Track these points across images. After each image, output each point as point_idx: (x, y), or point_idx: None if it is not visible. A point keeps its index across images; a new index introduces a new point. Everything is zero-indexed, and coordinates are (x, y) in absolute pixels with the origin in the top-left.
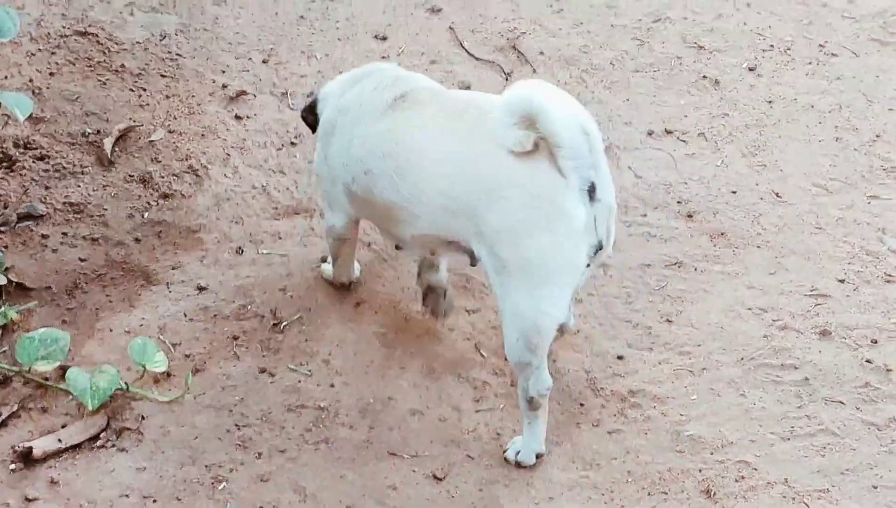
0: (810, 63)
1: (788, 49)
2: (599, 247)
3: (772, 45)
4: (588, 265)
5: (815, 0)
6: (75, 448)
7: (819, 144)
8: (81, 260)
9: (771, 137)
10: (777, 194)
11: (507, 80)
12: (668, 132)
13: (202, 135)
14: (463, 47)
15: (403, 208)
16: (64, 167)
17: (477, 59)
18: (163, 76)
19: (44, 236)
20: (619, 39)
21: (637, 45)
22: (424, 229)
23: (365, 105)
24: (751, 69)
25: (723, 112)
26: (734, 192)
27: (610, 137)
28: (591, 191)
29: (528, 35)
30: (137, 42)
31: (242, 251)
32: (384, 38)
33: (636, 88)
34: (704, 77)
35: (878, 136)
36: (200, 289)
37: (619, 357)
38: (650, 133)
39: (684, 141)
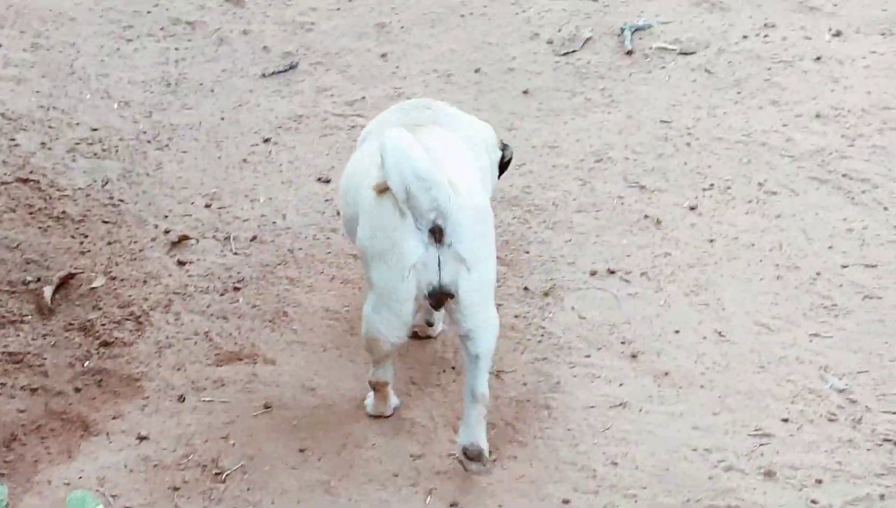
0: (750, 202)
1: (729, 188)
2: (445, 292)
3: (712, 184)
4: (437, 306)
5: (754, 139)
6: None
7: (760, 283)
8: (20, 411)
9: (713, 275)
10: (720, 333)
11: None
12: (611, 272)
13: (144, 281)
14: None
15: (351, 214)
16: (3, 316)
17: None
18: (105, 222)
19: None
20: (561, 179)
21: (579, 184)
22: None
23: (381, 127)
24: (692, 208)
25: (665, 251)
26: (677, 331)
27: (553, 278)
28: (437, 234)
29: None
30: (79, 188)
31: (184, 399)
32: (327, 181)
33: (579, 228)
34: (646, 216)
35: (818, 274)
36: (141, 438)
37: (565, 501)
38: (593, 273)
39: (627, 281)
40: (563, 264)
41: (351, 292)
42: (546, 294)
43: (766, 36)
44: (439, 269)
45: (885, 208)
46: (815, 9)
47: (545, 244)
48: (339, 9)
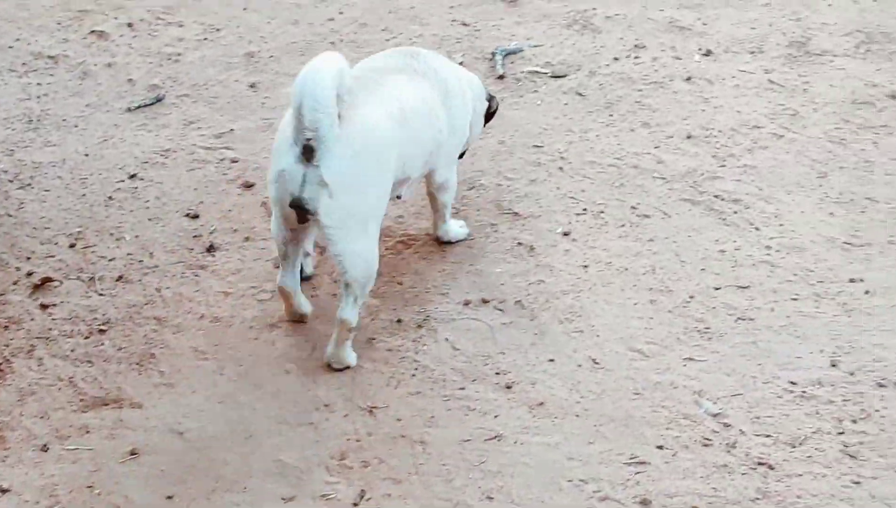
0: (623, 225)
1: (602, 212)
2: (303, 206)
3: (585, 209)
4: (300, 219)
5: (626, 162)
6: None
7: (634, 308)
8: None
9: (587, 302)
10: (594, 361)
11: (321, 254)
12: (485, 301)
13: (5, 326)
14: None
15: None
16: None
17: None
18: None
19: None
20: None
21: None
22: None
23: (362, 69)
24: (565, 234)
25: (539, 278)
26: (552, 360)
27: (426, 309)
28: (307, 153)
29: None
30: None
31: (48, 448)
32: (196, 216)
33: (452, 258)
34: (520, 244)
35: (691, 297)
36: (3, 491)
37: None
38: (467, 303)
39: (501, 310)
40: (437, 294)
41: (220, 330)
42: (419, 326)
43: (636, 57)
44: (303, 183)
45: (757, 229)
46: (684, 29)
47: (418, 275)
48: (206, 39)
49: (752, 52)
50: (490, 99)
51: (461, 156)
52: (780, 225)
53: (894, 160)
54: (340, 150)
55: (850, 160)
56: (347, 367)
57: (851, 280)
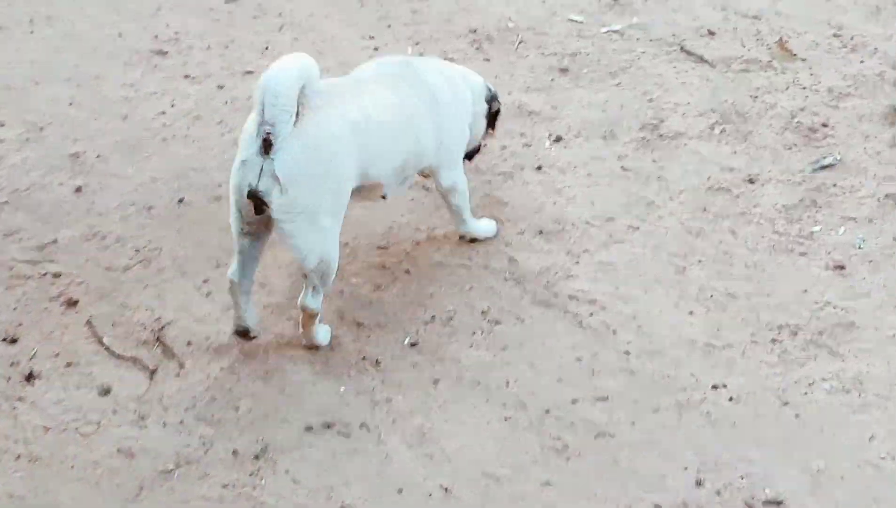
0: (474, 333)
1: (451, 319)
2: (258, 197)
3: (433, 317)
4: (255, 211)
5: (476, 262)
6: None
7: (488, 427)
8: None
9: (437, 422)
10: (446, 490)
11: (150, 378)
12: (328, 426)
13: None
14: (102, 344)
15: None
16: None
17: (118, 356)
18: None
19: None
20: (273, 321)
21: (293, 325)
22: None
23: (348, 78)
24: (413, 345)
25: (386, 396)
26: (400, 491)
27: (265, 437)
28: (266, 145)
29: (175, 324)
30: None
31: None
32: (14, 341)
33: (293, 376)
34: (364, 358)
35: (547, 411)
36: None
37: None
38: (309, 428)
39: (346, 434)
40: (276, 420)
41: (39, 471)
42: (257, 458)
43: (484, 145)
44: (259, 175)
45: (614, 332)
46: (533, 113)
47: (256, 398)
48: (27, 139)
49: (604, 137)
50: (490, 101)
51: (470, 158)
52: (639, 327)
53: (753, 251)
54: (293, 145)
55: (709, 253)
56: (318, 347)
57: (714, 387)
